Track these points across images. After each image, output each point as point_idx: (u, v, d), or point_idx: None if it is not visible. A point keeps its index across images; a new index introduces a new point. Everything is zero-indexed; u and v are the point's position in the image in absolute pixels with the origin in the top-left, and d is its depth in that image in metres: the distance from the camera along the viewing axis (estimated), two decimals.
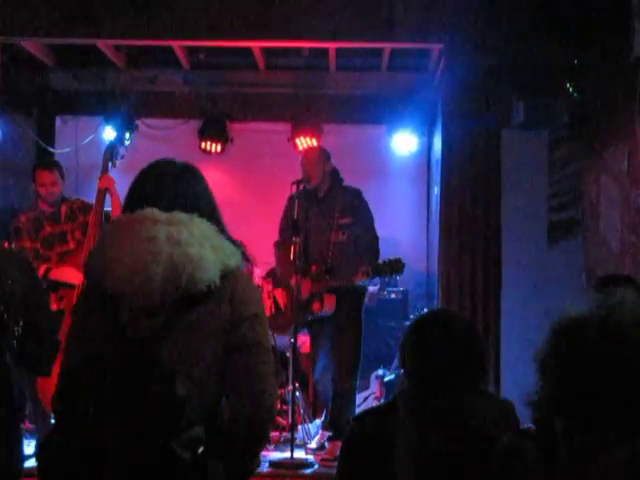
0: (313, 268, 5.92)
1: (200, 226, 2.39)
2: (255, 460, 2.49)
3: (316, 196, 6.08)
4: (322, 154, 6.25)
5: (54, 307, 5.38)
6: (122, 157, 6.43)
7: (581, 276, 6.39)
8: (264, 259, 7.20)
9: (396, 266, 5.80)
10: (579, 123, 6.51)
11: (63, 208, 6.15)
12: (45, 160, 7.41)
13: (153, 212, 2.38)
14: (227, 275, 2.38)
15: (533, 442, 1.77)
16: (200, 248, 2.34)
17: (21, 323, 3.12)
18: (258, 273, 7.26)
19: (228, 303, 2.38)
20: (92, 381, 2.23)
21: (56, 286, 5.82)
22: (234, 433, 2.37)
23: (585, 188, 6.52)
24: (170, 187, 2.49)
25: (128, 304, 2.32)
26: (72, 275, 5.85)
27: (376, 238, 6.05)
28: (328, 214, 6.03)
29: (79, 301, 2.58)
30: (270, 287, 6.34)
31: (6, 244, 5.30)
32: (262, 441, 2.53)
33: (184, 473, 2.20)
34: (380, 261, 5.87)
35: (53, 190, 6.09)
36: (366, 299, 6.25)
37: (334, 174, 6.17)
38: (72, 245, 6.08)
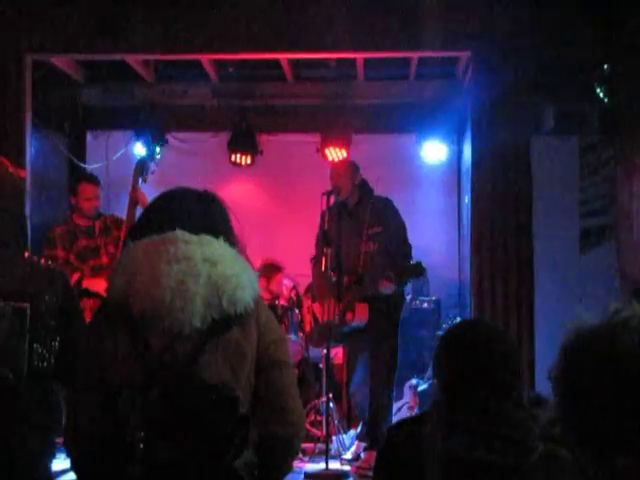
0: (345, 280, 5.87)
1: (228, 247, 2.38)
2: (285, 472, 2.50)
3: (346, 208, 6.06)
4: (351, 166, 6.23)
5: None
6: (152, 172, 6.48)
7: (614, 282, 6.33)
8: (294, 270, 7.20)
9: (416, 269, 5.72)
10: (610, 128, 6.46)
11: (98, 223, 6.22)
12: (88, 175, 7.39)
13: (184, 234, 2.34)
14: (255, 297, 2.39)
15: (569, 451, 1.75)
16: (234, 267, 2.33)
17: (58, 338, 3.15)
18: (287, 284, 7.26)
19: (256, 325, 2.39)
20: (134, 411, 2.18)
21: (88, 294, 5.86)
22: (264, 449, 2.36)
23: (617, 194, 6.47)
24: (193, 210, 2.44)
25: (163, 327, 2.25)
26: (104, 287, 5.89)
27: (407, 245, 5.95)
28: (358, 225, 5.99)
29: (96, 323, 2.43)
30: (309, 302, 6.34)
31: (43, 260, 5.33)
32: (292, 456, 2.56)
33: None
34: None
35: (97, 204, 6.21)
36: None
37: (363, 185, 6.14)
38: (105, 260, 6.13)
